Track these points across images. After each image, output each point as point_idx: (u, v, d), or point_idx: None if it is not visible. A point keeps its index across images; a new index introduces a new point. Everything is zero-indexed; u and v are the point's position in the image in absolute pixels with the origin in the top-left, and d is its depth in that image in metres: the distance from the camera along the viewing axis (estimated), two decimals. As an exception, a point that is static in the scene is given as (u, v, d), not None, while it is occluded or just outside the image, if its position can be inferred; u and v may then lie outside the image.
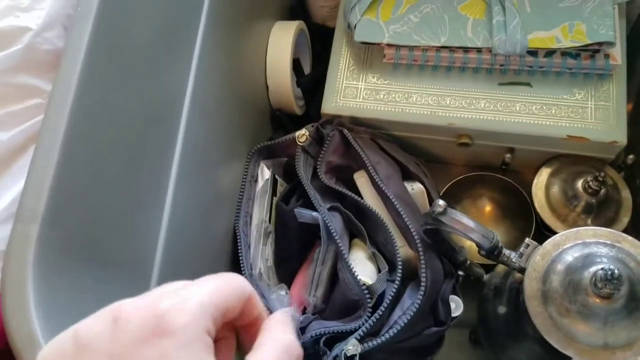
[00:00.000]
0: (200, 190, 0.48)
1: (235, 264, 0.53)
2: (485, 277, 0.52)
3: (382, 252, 0.54)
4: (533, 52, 0.56)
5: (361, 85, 0.60)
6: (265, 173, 0.57)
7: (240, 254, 0.53)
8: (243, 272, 0.52)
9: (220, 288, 0.25)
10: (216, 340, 0.27)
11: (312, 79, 0.68)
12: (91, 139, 0.35)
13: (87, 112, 0.34)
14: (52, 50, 0.43)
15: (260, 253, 0.55)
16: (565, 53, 0.56)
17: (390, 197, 0.52)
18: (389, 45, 0.58)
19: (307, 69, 0.71)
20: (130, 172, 0.39)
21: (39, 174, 0.32)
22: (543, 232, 0.59)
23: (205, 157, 0.49)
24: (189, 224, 0.46)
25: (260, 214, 0.56)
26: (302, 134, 0.55)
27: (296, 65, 0.65)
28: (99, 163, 0.35)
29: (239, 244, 0.53)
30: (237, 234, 0.54)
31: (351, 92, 0.60)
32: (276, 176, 0.59)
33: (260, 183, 0.57)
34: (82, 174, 0.34)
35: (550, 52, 0.56)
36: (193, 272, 0.47)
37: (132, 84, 0.39)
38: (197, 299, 0.24)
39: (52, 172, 0.32)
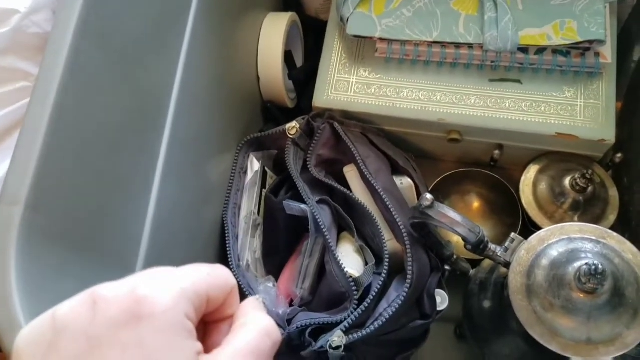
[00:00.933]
0: (188, 181, 0.48)
1: (222, 255, 0.53)
2: (471, 272, 0.53)
3: (369, 245, 0.54)
4: (524, 49, 0.56)
5: (353, 79, 0.60)
6: (254, 165, 0.57)
7: (227, 246, 0.53)
8: (230, 264, 0.52)
9: (203, 276, 0.25)
10: (207, 324, 0.27)
11: (303, 72, 0.68)
12: (77, 124, 0.34)
13: (73, 97, 0.34)
14: (40, 34, 0.43)
15: (249, 245, 0.55)
16: (556, 51, 0.56)
17: (379, 191, 0.52)
18: (381, 39, 0.58)
19: (299, 61, 0.70)
20: (116, 159, 0.38)
21: (24, 157, 0.31)
22: (530, 229, 0.59)
23: (194, 147, 0.49)
24: (176, 214, 0.46)
25: (249, 206, 0.56)
26: (293, 127, 0.55)
27: (288, 57, 0.65)
28: (84, 149, 0.35)
29: (226, 235, 0.53)
30: (225, 225, 0.54)
31: (343, 85, 0.60)
32: (266, 168, 0.59)
33: (250, 175, 0.57)
34: (67, 159, 0.34)
35: (541, 50, 0.56)
36: (179, 262, 0.46)
37: (119, 71, 0.39)
38: (178, 284, 0.24)
39: (36, 155, 0.31)
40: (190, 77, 0.47)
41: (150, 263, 0.41)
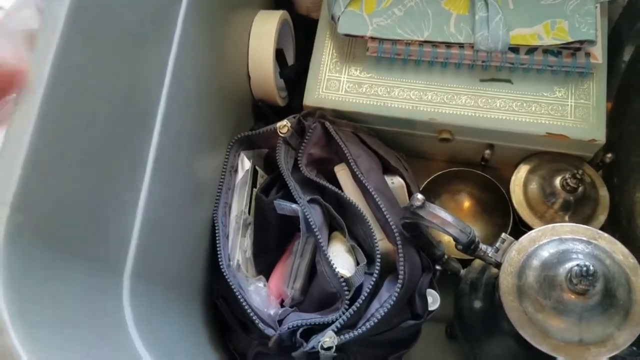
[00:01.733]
0: (178, 179, 0.47)
1: (212, 255, 0.52)
2: (462, 272, 0.53)
3: (361, 245, 0.54)
4: (515, 49, 0.56)
5: (344, 78, 0.60)
6: (245, 164, 0.57)
7: (218, 245, 0.52)
8: (220, 263, 0.51)
9: None
10: None
11: (295, 70, 0.67)
12: (64, 124, 0.34)
13: (60, 96, 0.33)
14: (25, 32, 0.42)
15: (239, 244, 0.54)
16: (546, 50, 0.56)
17: (371, 190, 0.52)
18: (373, 38, 0.58)
19: (290, 60, 0.70)
20: (104, 158, 0.38)
21: (10, 157, 0.31)
22: (521, 229, 0.59)
23: (184, 145, 0.48)
24: (166, 213, 0.45)
25: (239, 205, 0.56)
26: (284, 125, 0.55)
27: (279, 55, 0.65)
28: (72, 149, 0.35)
29: (217, 235, 0.53)
30: (216, 224, 0.53)
31: (334, 84, 0.60)
32: (256, 167, 0.58)
33: (241, 174, 0.56)
34: (54, 159, 0.33)
35: (531, 49, 0.56)
36: (169, 261, 0.46)
37: (108, 69, 0.38)
38: None
39: (23, 156, 0.31)
40: (181, 76, 0.46)
41: (139, 262, 0.40)
